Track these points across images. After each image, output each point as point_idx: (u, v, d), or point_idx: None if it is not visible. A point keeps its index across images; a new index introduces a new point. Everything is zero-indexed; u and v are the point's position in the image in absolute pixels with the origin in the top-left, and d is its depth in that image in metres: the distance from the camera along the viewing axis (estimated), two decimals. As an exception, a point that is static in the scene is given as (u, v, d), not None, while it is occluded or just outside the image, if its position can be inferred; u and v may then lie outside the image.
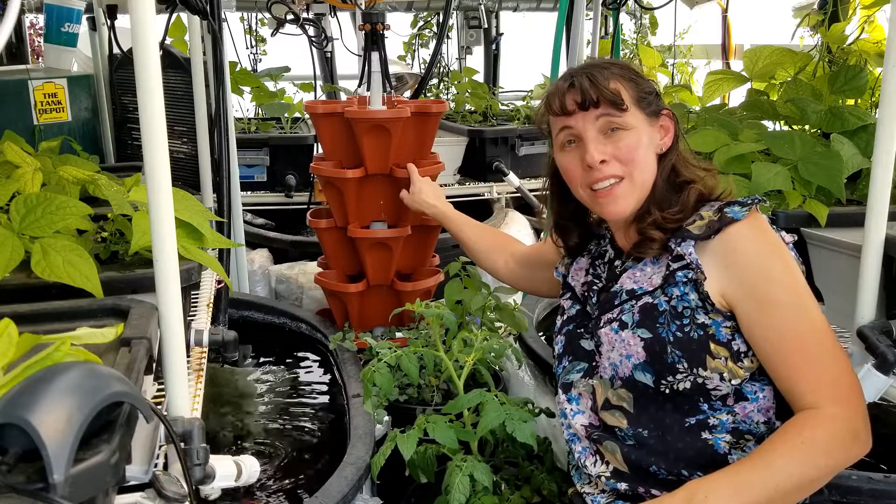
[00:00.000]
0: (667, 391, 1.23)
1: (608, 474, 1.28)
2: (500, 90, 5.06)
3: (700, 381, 1.21)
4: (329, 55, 4.53)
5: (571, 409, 1.34)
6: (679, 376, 1.21)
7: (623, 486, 1.27)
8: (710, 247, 1.22)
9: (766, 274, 1.18)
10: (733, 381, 1.21)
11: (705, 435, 1.22)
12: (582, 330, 1.38)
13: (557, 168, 1.40)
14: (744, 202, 1.23)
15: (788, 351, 1.16)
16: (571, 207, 1.45)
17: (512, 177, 3.82)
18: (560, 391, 1.38)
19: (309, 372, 2.46)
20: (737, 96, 2.97)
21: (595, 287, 1.39)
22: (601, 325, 1.31)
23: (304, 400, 2.29)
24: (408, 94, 4.39)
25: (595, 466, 1.31)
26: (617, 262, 1.38)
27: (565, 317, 1.44)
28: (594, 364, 1.33)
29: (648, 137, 1.30)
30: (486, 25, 4.99)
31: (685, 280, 1.23)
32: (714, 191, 1.30)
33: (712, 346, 1.20)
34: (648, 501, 1.18)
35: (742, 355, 1.21)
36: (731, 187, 1.32)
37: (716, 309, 1.20)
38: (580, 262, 1.48)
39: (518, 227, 3.76)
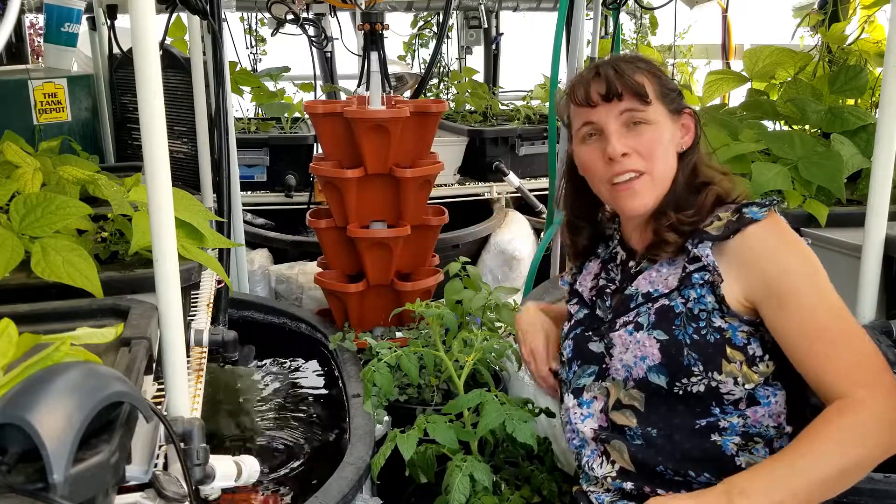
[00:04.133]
0: (680, 393, 1.22)
1: (614, 474, 1.28)
2: (500, 90, 5.06)
3: (714, 384, 1.20)
4: (329, 55, 4.53)
5: (582, 414, 1.33)
6: (694, 379, 1.20)
7: (629, 485, 1.26)
8: (727, 248, 1.21)
9: (783, 267, 1.17)
10: (747, 386, 1.20)
11: (714, 437, 1.21)
12: (590, 333, 1.36)
13: (574, 164, 1.38)
14: (762, 203, 1.23)
15: (814, 342, 1.14)
16: (585, 204, 1.43)
17: (512, 177, 3.82)
18: (570, 396, 1.36)
19: (309, 372, 2.46)
20: (737, 96, 2.97)
21: (608, 290, 1.37)
22: (616, 328, 1.30)
23: (304, 400, 2.30)
24: (408, 93, 4.39)
25: (601, 468, 1.30)
26: (631, 263, 1.36)
27: (573, 321, 1.42)
28: (604, 366, 1.31)
29: (670, 134, 1.29)
30: (486, 25, 4.99)
31: (702, 282, 1.22)
32: (731, 193, 1.29)
33: (728, 349, 1.19)
34: (685, 494, 1.15)
35: (757, 360, 1.21)
36: (747, 191, 1.31)
37: (732, 312, 1.20)
38: (589, 267, 1.46)
39: (518, 227, 3.76)
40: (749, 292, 1.20)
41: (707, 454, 1.21)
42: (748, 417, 1.22)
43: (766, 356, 1.21)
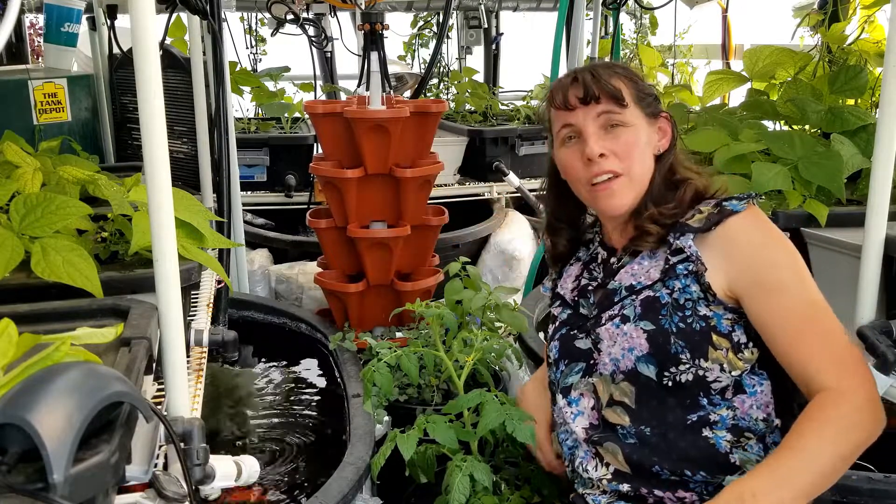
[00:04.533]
0: (669, 384, 1.24)
1: (609, 476, 1.28)
2: (500, 90, 5.06)
3: (701, 373, 1.22)
4: (329, 55, 4.53)
5: (572, 413, 1.34)
6: (682, 367, 1.22)
7: (625, 487, 1.26)
8: (709, 239, 1.25)
9: (769, 260, 1.21)
10: (733, 373, 1.23)
11: (706, 433, 1.23)
12: (576, 331, 1.39)
13: (556, 168, 1.42)
14: (741, 197, 1.27)
15: (798, 333, 1.18)
16: (568, 208, 1.47)
17: (512, 177, 3.82)
18: (559, 396, 1.38)
19: (309, 372, 2.47)
20: (737, 96, 2.96)
21: (590, 288, 1.40)
22: (602, 322, 1.32)
23: (304, 400, 2.30)
24: (408, 93, 4.39)
25: (596, 470, 1.30)
26: (612, 260, 1.39)
27: (557, 323, 1.45)
28: (592, 362, 1.33)
29: (647, 136, 1.33)
30: (486, 25, 4.99)
31: (686, 272, 1.25)
32: (709, 189, 1.33)
33: (714, 337, 1.22)
34: None
35: (742, 346, 1.23)
36: (725, 186, 1.35)
37: (717, 300, 1.23)
38: (569, 270, 1.49)
39: (518, 227, 3.76)
40: (733, 283, 1.22)
41: (702, 452, 1.22)
42: (737, 409, 1.24)
43: (751, 343, 1.24)
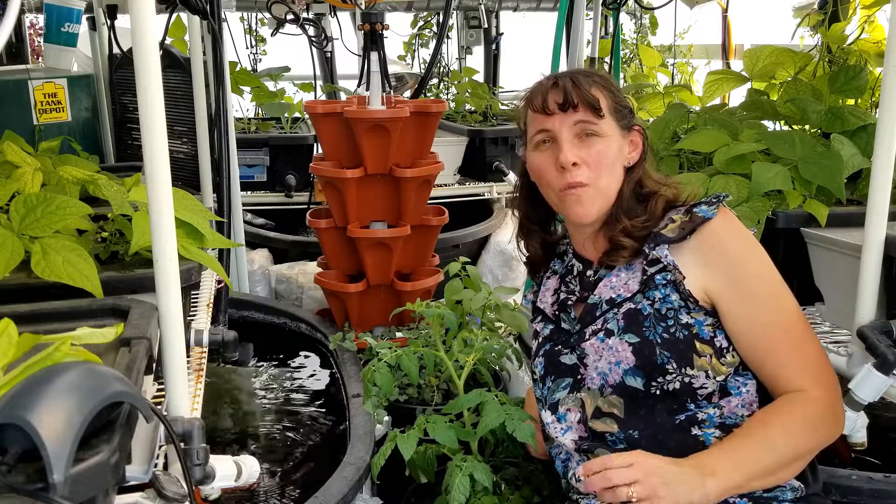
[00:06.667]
0: (657, 392, 1.25)
1: None
2: (500, 90, 5.06)
3: (688, 380, 1.24)
4: (329, 55, 4.53)
5: (561, 428, 1.35)
6: (669, 377, 1.24)
7: None
8: (686, 247, 1.27)
9: (745, 269, 1.25)
10: (718, 378, 1.25)
11: (695, 431, 1.24)
12: (560, 347, 1.39)
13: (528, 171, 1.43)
14: (709, 201, 1.29)
15: (773, 341, 1.23)
16: (539, 211, 1.49)
17: (512, 177, 3.82)
18: (547, 412, 1.38)
19: (309, 372, 2.47)
20: (737, 96, 2.96)
21: (569, 302, 1.41)
22: (587, 337, 1.33)
23: (304, 400, 2.30)
24: (408, 93, 4.39)
25: None
26: (588, 273, 1.40)
27: (540, 339, 1.46)
28: (579, 377, 1.34)
29: (618, 148, 1.34)
30: (486, 25, 4.99)
31: (664, 282, 1.27)
32: (679, 198, 1.35)
33: (697, 344, 1.24)
34: (665, 459, 1.17)
35: (724, 351, 1.25)
36: (694, 193, 1.36)
37: (699, 307, 1.25)
38: (547, 283, 1.50)
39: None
40: (709, 288, 1.25)
41: (691, 450, 1.23)
42: (723, 408, 1.26)
43: (731, 346, 1.26)
